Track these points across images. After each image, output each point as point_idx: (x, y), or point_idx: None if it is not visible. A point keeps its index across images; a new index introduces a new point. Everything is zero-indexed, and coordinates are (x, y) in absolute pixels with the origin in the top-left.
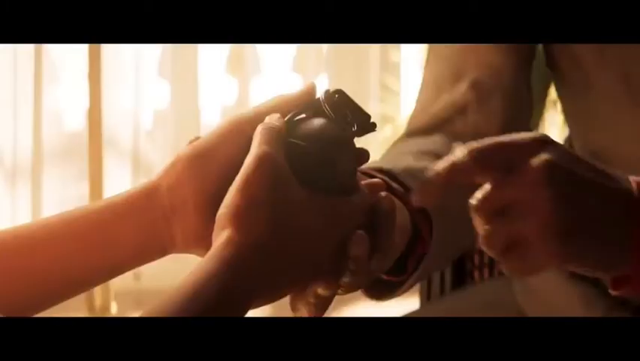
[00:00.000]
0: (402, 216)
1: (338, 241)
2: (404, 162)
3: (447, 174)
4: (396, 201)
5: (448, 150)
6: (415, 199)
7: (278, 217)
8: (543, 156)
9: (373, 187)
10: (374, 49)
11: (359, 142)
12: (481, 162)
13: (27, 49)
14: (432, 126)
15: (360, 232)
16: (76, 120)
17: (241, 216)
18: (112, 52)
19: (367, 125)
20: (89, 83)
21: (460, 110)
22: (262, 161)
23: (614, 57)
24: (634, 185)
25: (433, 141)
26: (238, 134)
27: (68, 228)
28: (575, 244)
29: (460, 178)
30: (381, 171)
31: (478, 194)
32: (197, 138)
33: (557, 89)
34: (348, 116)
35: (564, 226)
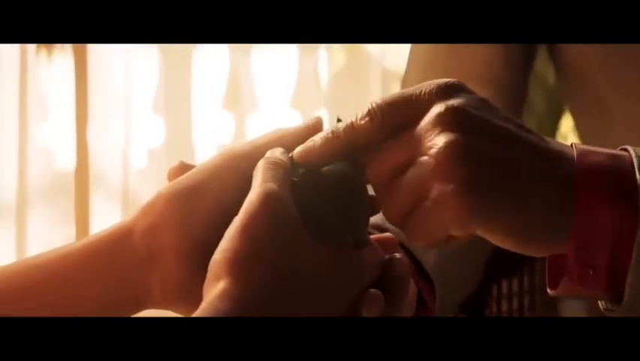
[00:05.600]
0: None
1: (348, 300)
2: None
3: (347, 135)
4: None
5: None
6: (297, 155)
7: (284, 268)
8: (448, 102)
9: (384, 243)
10: (374, 82)
11: None
12: (381, 122)
13: (12, 82)
14: None
15: (375, 290)
16: (66, 159)
17: (241, 264)
18: (103, 87)
19: None
20: (75, 120)
21: None
22: (268, 200)
23: (633, 86)
24: (574, 151)
25: None
26: (232, 170)
27: (10, 282)
28: (481, 197)
29: (361, 139)
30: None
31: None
32: (182, 163)
33: (572, 114)
34: (359, 157)
35: (467, 174)
